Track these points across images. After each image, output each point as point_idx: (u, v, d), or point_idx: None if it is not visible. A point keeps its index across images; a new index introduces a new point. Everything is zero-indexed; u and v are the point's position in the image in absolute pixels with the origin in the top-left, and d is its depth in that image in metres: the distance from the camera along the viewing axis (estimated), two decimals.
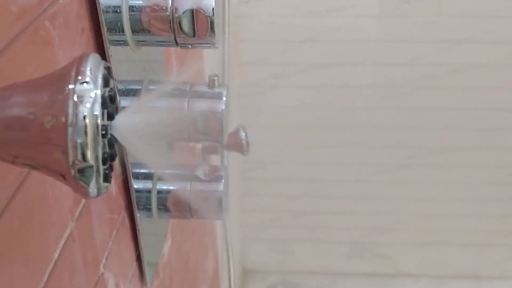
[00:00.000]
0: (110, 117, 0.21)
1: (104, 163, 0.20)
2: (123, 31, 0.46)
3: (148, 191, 0.55)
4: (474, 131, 1.45)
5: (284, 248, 1.70)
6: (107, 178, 0.21)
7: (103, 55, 0.44)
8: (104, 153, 0.20)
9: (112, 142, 0.22)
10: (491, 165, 1.51)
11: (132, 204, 0.50)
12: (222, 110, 0.52)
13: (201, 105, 0.52)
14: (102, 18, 0.43)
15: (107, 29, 0.44)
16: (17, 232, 0.29)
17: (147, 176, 0.56)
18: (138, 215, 0.52)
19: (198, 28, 0.47)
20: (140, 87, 0.52)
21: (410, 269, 1.67)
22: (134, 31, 0.47)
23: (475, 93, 1.40)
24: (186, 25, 0.47)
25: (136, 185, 0.52)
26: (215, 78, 0.53)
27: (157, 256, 0.61)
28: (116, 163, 0.48)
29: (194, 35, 0.47)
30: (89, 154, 0.19)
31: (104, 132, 0.20)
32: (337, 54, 1.38)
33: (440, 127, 1.46)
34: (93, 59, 0.21)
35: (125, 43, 0.47)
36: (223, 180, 0.58)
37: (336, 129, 1.50)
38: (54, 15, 0.35)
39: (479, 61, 1.36)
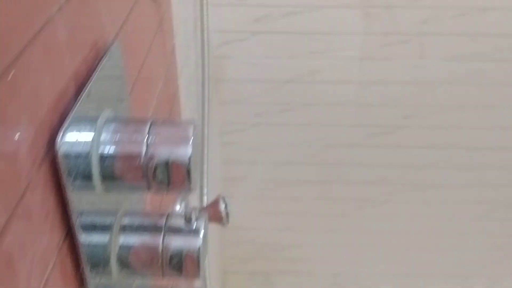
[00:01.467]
0: None
1: None
2: (91, 180, 0.43)
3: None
4: (454, 169, 1.46)
5: (266, 281, 1.69)
6: None
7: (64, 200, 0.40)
8: None
9: None
10: (470, 201, 1.52)
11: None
12: (200, 248, 0.49)
13: (176, 243, 0.49)
14: (67, 184, 0.39)
15: (75, 184, 0.41)
16: None
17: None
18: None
19: (173, 178, 0.44)
20: (112, 222, 0.49)
21: None
22: (104, 180, 0.44)
23: (455, 133, 1.40)
24: (161, 174, 0.44)
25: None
26: (192, 212, 0.51)
27: None
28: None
29: (168, 184, 0.45)
30: None
31: None
32: (321, 94, 1.36)
33: (421, 165, 1.46)
34: None
35: (93, 190, 0.44)
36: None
37: (319, 166, 1.48)
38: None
39: (460, 102, 1.36)
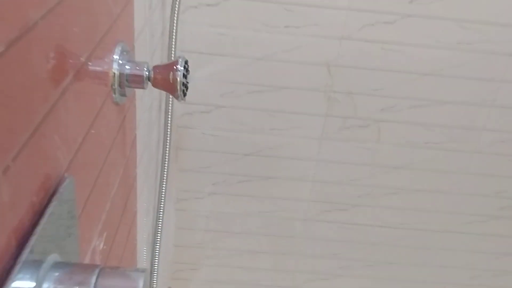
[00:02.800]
0: None
1: None
2: None
3: None
4: (404, 247, 1.49)
5: None
6: None
7: None
8: None
9: None
10: (421, 281, 1.55)
11: None
12: None
13: None
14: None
15: None
16: None
17: None
18: None
19: None
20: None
21: None
22: None
23: (406, 214, 1.44)
24: None
25: None
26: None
27: None
28: None
29: None
30: None
31: None
32: (279, 168, 1.38)
33: (373, 242, 1.49)
34: None
35: None
36: None
37: (273, 237, 1.49)
38: None
39: (412, 186, 1.40)
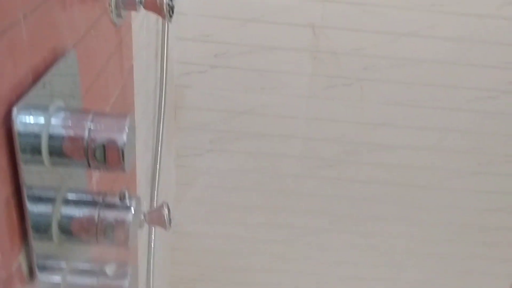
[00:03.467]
0: None
1: None
2: (40, 154, 0.53)
3: (57, 286, 0.61)
4: (390, 203, 1.59)
5: None
6: None
7: (18, 179, 0.50)
8: None
9: None
10: (407, 236, 1.64)
11: None
12: (130, 221, 0.60)
13: (110, 215, 0.59)
14: (19, 151, 0.50)
15: (25, 154, 0.51)
16: None
17: (57, 269, 0.62)
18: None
19: (109, 159, 0.55)
20: (56, 196, 0.59)
21: None
22: (51, 155, 0.54)
23: (391, 170, 1.54)
24: (99, 155, 0.55)
25: (43, 277, 0.57)
26: (125, 191, 0.61)
27: None
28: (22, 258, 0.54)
29: (106, 163, 0.55)
30: None
31: None
32: (271, 126, 1.49)
33: (361, 197, 1.59)
34: None
35: (42, 163, 0.54)
36: (128, 277, 0.65)
37: (267, 193, 1.59)
38: None
39: (395, 143, 1.51)
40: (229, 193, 1.59)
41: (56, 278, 0.62)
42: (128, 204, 0.61)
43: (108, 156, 0.55)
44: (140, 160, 1.10)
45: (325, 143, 1.52)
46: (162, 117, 1.26)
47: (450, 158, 1.53)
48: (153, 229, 1.28)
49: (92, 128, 0.54)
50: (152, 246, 1.29)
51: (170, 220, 0.97)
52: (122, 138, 0.55)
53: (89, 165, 0.56)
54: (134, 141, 0.58)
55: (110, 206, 0.60)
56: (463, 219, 1.62)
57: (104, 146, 0.54)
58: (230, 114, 1.48)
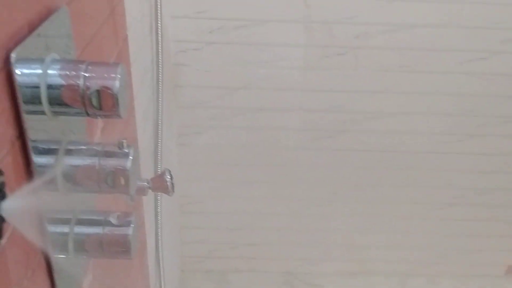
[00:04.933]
0: None
1: None
2: (41, 104, 0.57)
3: (65, 235, 0.65)
4: (390, 170, 1.61)
5: (222, 278, 1.79)
6: None
7: (21, 128, 0.54)
8: None
9: (0, 219, 0.32)
10: (408, 201, 1.67)
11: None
12: (128, 167, 0.63)
13: (110, 163, 0.62)
14: (20, 95, 0.53)
15: (26, 103, 0.54)
16: None
17: (65, 221, 0.65)
18: (53, 256, 0.61)
19: (104, 104, 0.58)
20: (59, 147, 0.62)
21: None
22: (51, 104, 0.57)
23: (389, 137, 1.57)
24: (94, 101, 0.58)
25: (52, 229, 0.61)
26: (124, 141, 0.64)
27: None
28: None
29: (101, 109, 0.58)
30: None
31: None
32: (268, 99, 1.52)
33: (361, 166, 1.61)
34: None
35: (43, 113, 0.57)
36: (132, 225, 0.68)
37: (268, 167, 1.62)
38: None
39: (392, 109, 1.53)
40: (231, 169, 1.62)
41: (64, 228, 0.65)
42: (126, 151, 0.64)
43: (103, 101, 0.57)
44: (141, 138, 1.13)
45: (323, 114, 1.54)
46: (160, 95, 1.29)
47: (447, 122, 1.55)
48: (160, 208, 1.31)
49: (87, 75, 0.57)
50: (160, 224, 1.32)
51: (173, 185, 1.00)
52: (115, 83, 0.58)
53: (87, 113, 0.59)
54: (127, 89, 0.61)
55: (110, 154, 0.63)
56: (463, 182, 1.64)
57: (98, 92, 0.57)
58: (228, 90, 1.50)
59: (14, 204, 0.32)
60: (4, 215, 0.32)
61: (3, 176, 0.33)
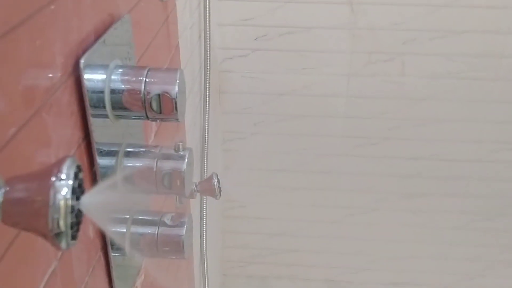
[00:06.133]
0: (78, 198, 0.33)
1: (71, 228, 0.32)
2: (105, 108, 0.59)
3: (122, 234, 0.67)
4: (437, 179, 1.58)
5: (263, 284, 1.79)
6: (74, 237, 0.33)
7: (87, 129, 0.56)
8: (71, 222, 0.32)
9: (80, 213, 0.34)
10: (455, 211, 1.63)
11: (107, 245, 0.62)
12: (184, 169, 0.64)
13: (167, 165, 0.64)
14: (87, 99, 0.55)
15: (92, 107, 0.57)
16: (13, 269, 0.41)
17: (122, 220, 0.68)
18: (112, 254, 0.63)
19: (164, 108, 0.60)
20: (119, 149, 0.65)
21: None
22: (114, 108, 0.60)
23: (436, 145, 1.53)
24: (155, 105, 0.60)
25: (112, 228, 0.64)
26: (180, 144, 0.66)
27: None
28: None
29: (161, 113, 0.60)
30: (61, 224, 0.31)
31: (72, 209, 0.32)
32: (312, 106, 1.52)
33: (407, 174, 1.59)
34: (69, 161, 0.33)
35: (106, 117, 0.60)
36: (185, 226, 0.70)
37: (312, 173, 1.62)
38: (50, 105, 0.47)
39: (438, 116, 1.50)
40: (274, 175, 1.63)
41: (122, 227, 0.68)
42: (183, 154, 0.65)
43: (162, 105, 0.59)
44: (190, 142, 1.15)
45: (368, 121, 1.53)
46: (207, 101, 1.31)
47: (496, 129, 1.51)
48: (205, 212, 1.33)
49: (147, 81, 0.60)
50: (204, 228, 1.34)
51: (220, 189, 1.02)
52: (174, 88, 0.60)
53: (147, 116, 0.61)
54: (185, 94, 0.63)
55: (167, 156, 0.65)
56: (510, 192, 1.59)
57: (159, 96, 0.59)
58: (272, 96, 1.52)
59: (92, 199, 0.34)
60: (83, 209, 0.33)
61: (82, 172, 0.34)
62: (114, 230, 0.64)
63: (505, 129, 1.50)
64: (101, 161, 0.59)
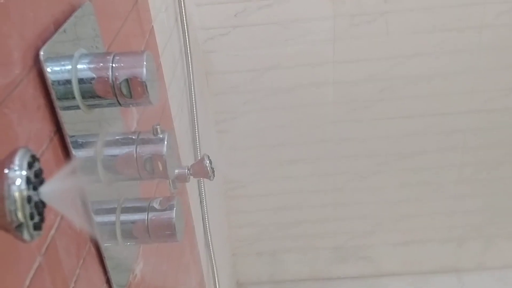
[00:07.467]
0: (35, 188, 0.32)
1: (32, 218, 0.32)
2: (74, 98, 0.58)
3: (112, 223, 0.67)
4: (434, 134, 1.57)
5: (273, 259, 1.80)
6: (38, 228, 0.33)
7: (58, 123, 0.56)
8: (31, 213, 0.31)
9: (41, 204, 0.33)
10: (455, 165, 1.62)
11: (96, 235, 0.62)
12: (165, 152, 0.64)
13: (147, 149, 0.64)
14: (53, 91, 0.55)
15: (60, 99, 0.56)
16: None
17: (110, 210, 0.67)
18: (103, 244, 0.63)
19: (134, 92, 0.59)
20: (96, 140, 0.64)
21: (393, 269, 1.77)
22: (83, 97, 0.59)
23: (430, 101, 1.52)
24: (125, 90, 0.59)
25: (99, 219, 0.64)
26: (158, 127, 0.65)
27: (127, 278, 0.72)
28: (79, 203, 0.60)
29: (132, 97, 0.59)
30: (20, 216, 0.31)
31: (29, 200, 0.31)
32: (300, 76, 1.50)
33: (403, 134, 1.58)
34: (21, 151, 0.33)
35: (77, 107, 0.59)
36: (175, 208, 0.69)
37: (308, 144, 1.61)
38: (11, 101, 0.47)
39: (428, 72, 1.48)
40: (271, 150, 1.62)
41: (110, 217, 0.67)
42: (162, 137, 0.65)
43: (132, 89, 0.59)
44: (178, 127, 1.14)
45: (358, 85, 1.51)
46: (192, 83, 1.30)
47: (488, 78, 1.49)
48: (204, 194, 1.33)
49: (114, 66, 0.59)
50: (206, 210, 1.34)
51: (213, 169, 1.02)
52: (143, 71, 0.59)
53: (119, 102, 0.60)
54: (156, 75, 0.62)
55: (146, 141, 0.65)
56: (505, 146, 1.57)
57: (127, 81, 0.58)
58: (259, 71, 1.50)
59: (52, 187, 0.33)
60: (44, 199, 0.33)
61: (39, 162, 0.34)
62: (101, 220, 0.64)
63: (497, 76, 1.48)
64: (78, 153, 0.59)
